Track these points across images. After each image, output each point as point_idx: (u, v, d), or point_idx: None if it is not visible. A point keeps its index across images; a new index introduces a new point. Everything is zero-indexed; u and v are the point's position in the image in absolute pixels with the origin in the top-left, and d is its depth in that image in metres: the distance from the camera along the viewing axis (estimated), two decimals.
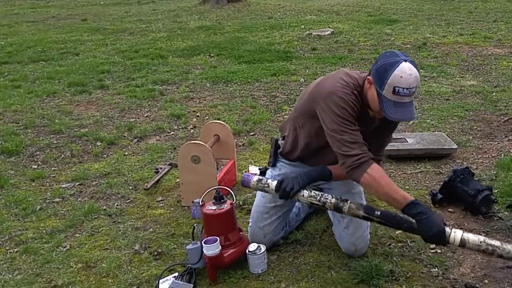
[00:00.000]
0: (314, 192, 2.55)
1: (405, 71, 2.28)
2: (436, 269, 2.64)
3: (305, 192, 2.53)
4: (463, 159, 3.96)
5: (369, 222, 2.74)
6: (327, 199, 2.52)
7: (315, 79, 2.75)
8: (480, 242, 2.27)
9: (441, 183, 3.33)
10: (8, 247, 3.05)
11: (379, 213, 2.45)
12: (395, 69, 2.28)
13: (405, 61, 2.29)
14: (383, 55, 2.39)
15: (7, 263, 2.89)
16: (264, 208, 2.84)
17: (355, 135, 2.40)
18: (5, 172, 4.08)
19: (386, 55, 2.37)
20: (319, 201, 2.53)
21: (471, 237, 2.29)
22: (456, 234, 2.29)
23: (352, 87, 2.43)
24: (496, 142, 4.27)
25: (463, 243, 2.28)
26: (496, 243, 2.28)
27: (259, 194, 2.91)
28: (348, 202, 2.49)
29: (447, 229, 2.31)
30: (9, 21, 12.87)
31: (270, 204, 2.83)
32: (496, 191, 3.32)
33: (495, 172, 3.68)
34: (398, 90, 2.29)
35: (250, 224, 2.90)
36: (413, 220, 2.33)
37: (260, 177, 2.64)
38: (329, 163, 2.59)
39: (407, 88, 2.28)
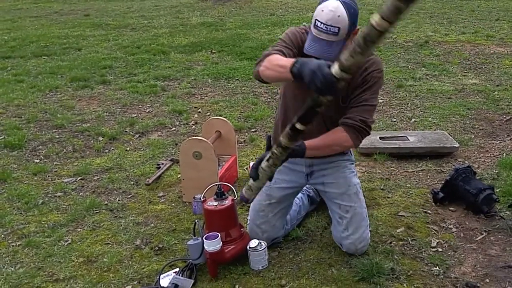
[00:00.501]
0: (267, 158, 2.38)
1: (328, 6, 2.28)
2: (437, 267, 2.63)
3: (263, 163, 2.37)
4: (464, 158, 3.95)
5: (368, 222, 2.75)
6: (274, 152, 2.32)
7: None
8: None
9: (443, 182, 3.32)
10: (10, 240, 3.06)
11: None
12: (321, 3, 2.32)
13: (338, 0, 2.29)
14: None
15: (9, 256, 2.89)
16: (260, 206, 2.83)
17: (279, 47, 2.44)
18: (8, 166, 4.08)
19: None
20: (268, 160, 2.34)
21: None
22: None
23: (302, 27, 2.53)
24: (498, 141, 4.26)
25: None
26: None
27: None
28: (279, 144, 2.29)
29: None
30: (13, 16, 12.85)
31: (265, 202, 2.82)
32: (498, 190, 3.31)
33: (497, 171, 3.67)
34: (317, 23, 2.30)
35: (248, 222, 2.90)
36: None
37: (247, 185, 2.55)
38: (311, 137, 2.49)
39: (324, 24, 2.27)
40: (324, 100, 1.97)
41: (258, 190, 2.49)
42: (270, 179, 2.40)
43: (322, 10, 2.29)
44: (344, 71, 1.83)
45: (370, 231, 2.85)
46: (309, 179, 2.83)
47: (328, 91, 1.90)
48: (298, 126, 2.08)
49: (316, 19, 2.31)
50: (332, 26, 2.27)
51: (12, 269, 2.77)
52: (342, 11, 2.27)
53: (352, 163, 2.86)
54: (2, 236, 3.10)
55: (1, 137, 4.65)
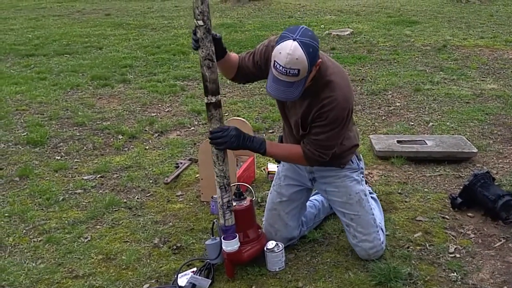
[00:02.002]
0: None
1: (285, 48, 2.19)
2: (455, 273, 2.59)
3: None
4: (483, 163, 3.89)
5: (378, 227, 2.70)
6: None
7: None
8: None
9: (461, 187, 3.27)
10: (32, 236, 3.07)
11: None
12: (279, 44, 2.23)
13: (294, 40, 2.19)
14: (285, 29, 2.33)
15: (30, 251, 2.90)
16: (272, 204, 2.83)
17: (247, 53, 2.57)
18: (30, 162, 4.11)
19: (288, 28, 2.30)
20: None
21: None
22: None
23: (271, 40, 2.50)
24: None
25: None
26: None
27: (269, 192, 2.92)
28: None
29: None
30: (37, 15, 12.96)
31: (276, 200, 2.82)
32: None
33: None
34: (276, 65, 2.23)
35: (263, 223, 2.88)
36: None
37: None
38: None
39: (283, 67, 2.20)
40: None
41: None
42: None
43: (280, 53, 2.20)
44: None
45: (387, 235, 2.82)
46: (314, 184, 2.83)
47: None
48: None
49: (275, 61, 2.23)
50: (291, 68, 2.20)
51: (33, 264, 2.77)
52: (300, 53, 2.18)
53: (355, 171, 2.75)
54: (24, 231, 3.12)
55: (24, 134, 4.68)
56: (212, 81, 2.32)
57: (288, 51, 2.18)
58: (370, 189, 2.92)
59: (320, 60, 2.32)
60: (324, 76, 2.40)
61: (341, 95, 2.39)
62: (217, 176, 2.46)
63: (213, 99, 2.35)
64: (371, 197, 2.86)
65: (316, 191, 3.09)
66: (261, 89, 5.95)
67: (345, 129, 2.52)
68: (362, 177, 2.80)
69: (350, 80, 2.57)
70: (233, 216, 2.52)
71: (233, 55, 2.56)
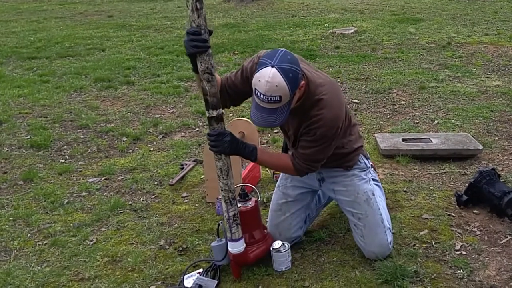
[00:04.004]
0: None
1: (264, 76, 2.17)
2: (461, 271, 2.60)
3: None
4: (488, 160, 3.90)
5: (386, 227, 2.71)
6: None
7: (338, 77, 2.74)
8: None
9: (466, 184, 3.28)
10: (37, 239, 3.09)
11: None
12: (258, 71, 2.21)
13: (272, 66, 2.17)
14: (265, 53, 2.31)
15: (36, 255, 2.92)
16: (277, 205, 2.85)
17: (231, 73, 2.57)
18: (34, 165, 4.13)
19: (266, 54, 2.28)
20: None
21: None
22: None
23: (260, 55, 2.43)
24: None
25: None
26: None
27: (274, 193, 2.93)
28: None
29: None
30: (38, 17, 13.01)
31: (281, 200, 2.84)
32: None
33: None
34: (257, 93, 2.22)
35: (267, 223, 2.90)
36: None
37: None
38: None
39: (264, 95, 2.19)
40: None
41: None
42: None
43: (259, 81, 2.19)
44: None
45: (393, 233, 2.83)
46: (322, 184, 2.84)
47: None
48: None
49: (255, 88, 2.23)
50: (272, 96, 2.19)
51: (39, 267, 2.80)
52: (279, 79, 2.16)
53: (363, 170, 2.78)
54: (29, 235, 3.14)
55: (28, 137, 4.70)
56: (213, 95, 2.30)
57: (267, 78, 2.16)
58: (375, 175, 2.91)
59: (303, 82, 2.31)
60: (314, 95, 2.39)
61: (330, 113, 2.37)
62: (221, 190, 2.46)
63: (214, 113, 2.34)
64: (376, 184, 2.86)
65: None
66: None
67: (334, 144, 2.50)
68: (371, 171, 2.83)
69: (343, 95, 2.56)
70: (240, 229, 2.52)
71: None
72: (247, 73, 2.49)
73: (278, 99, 2.20)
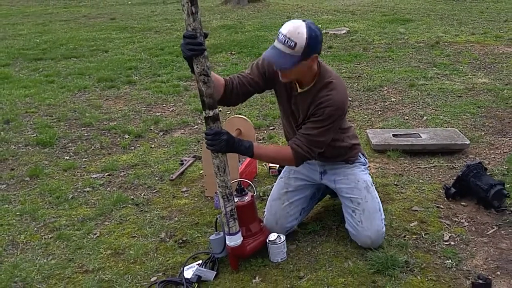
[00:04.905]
0: None
1: (293, 22, 2.32)
2: (450, 260, 2.59)
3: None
4: (475, 155, 3.89)
5: (382, 216, 2.72)
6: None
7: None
8: None
9: (455, 178, 3.27)
10: (43, 233, 3.07)
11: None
12: (290, 20, 2.38)
13: (303, 21, 2.33)
14: None
15: (41, 248, 2.90)
16: (277, 195, 2.87)
17: (242, 74, 2.60)
18: (40, 162, 4.11)
19: None
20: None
21: None
22: None
23: None
24: (508, 138, 4.18)
25: None
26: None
27: (276, 184, 2.94)
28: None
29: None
30: (44, 20, 12.96)
31: (282, 190, 2.87)
32: (508, 185, 3.26)
33: (506, 167, 3.61)
34: (278, 33, 2.34)
35: (264, 214, 2.89)
36: None
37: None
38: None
39: (283, 35, 2.30)
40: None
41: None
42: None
43: (287, 24, 2.34)
44: None
45: (385, 225, 2.82)
46: (323, 177, 2.86)
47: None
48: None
49: (280, 31, 2.34)
50: (289, 39, 2.29)
51: (45, 260, 2.78)
52: (303, 30, 2.29)
53: (363, 165, 2.88)
54: (35, 229, 3.12)
55: (34, 135, 4.68)
56: (209, 95, 2.29)
57: (294, 24, 2.31)
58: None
59: (316, 55, 2.39)
60: (324, 78, 2.50)
61: (338, 95, 2.46)
62: (219, 187, 2.44)
63: (210, 113, 2.33)
64: None
65: None
66: None
67: (335, 129, 2.55)
68: (368, 173, 2.90)
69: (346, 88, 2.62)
70: (237, 224, 2.51)
71: (214, 75, 2.46)
72: (263, 67, 2.59)
73: (293, 45, 2.29)
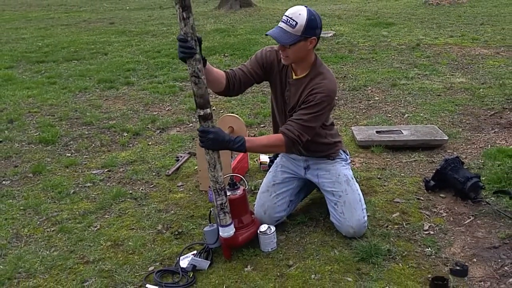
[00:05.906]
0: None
1: (296, 6, 2.47)
2: (429, 248, 2.60)
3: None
4: (453, 149, 3.91)
5: (363, 206, 2.73)
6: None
7: None
8: None
9: (434, 171, 3.29)
10: (45, 226, 3.06)
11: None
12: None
13: (305, 7, 2.47)
14: None
15: (44, 240, 2.89)
16: (266, 187, 2.90)
17: (241, 66, 2.67)
18: (42, 159, 4.09)
19: None
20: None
21: None
22: None
23: (274, 48, 2.68)
24: (483, 134, 4.21)
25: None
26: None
27: (265, 178, 2.97)
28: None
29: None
30: (46, 25, 12.88)
31: (270, 183, 2.90)
32: (483, 178, 3.28)
33: (482, 161, 3.63)
34: (283, 16, 2.47)
35: (255, 206, 2.90)
36: None
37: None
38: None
39: (286, 16, 2.44)
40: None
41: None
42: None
43: (291, 7, 2.47)
44: None
45: (368, 215, 2.83)
46: (306, 172, 2.89)
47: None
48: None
49: (284, 14, 2.47)
50: (291, 19, 2.41)
51: (47, 252, 2.77)
52: (304, 13, 2.42)
53: (344, 161, 2.90)
54: (38, 222, 3.11)
55: (37, 134, 4.66)
56: (200, 96, 2.29)
57: (297, 7, 2.45)
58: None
59: (315, 38, 2.49)
60: (319, 68, 2.59)
61: (330, 84, 2.54)
62: (210, 181, 2.45)
63: (201, 112, 2.33)
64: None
65: None
66: (253, 88, 5.93)
67: (323, 118, 2.58)
68: (349, 168, 2.92)
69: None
70: (228, 216, 2.50)
71: (215, 70, 2.52)
72: (262, 59, 2.68)
73: (294, 24, 2.41)
